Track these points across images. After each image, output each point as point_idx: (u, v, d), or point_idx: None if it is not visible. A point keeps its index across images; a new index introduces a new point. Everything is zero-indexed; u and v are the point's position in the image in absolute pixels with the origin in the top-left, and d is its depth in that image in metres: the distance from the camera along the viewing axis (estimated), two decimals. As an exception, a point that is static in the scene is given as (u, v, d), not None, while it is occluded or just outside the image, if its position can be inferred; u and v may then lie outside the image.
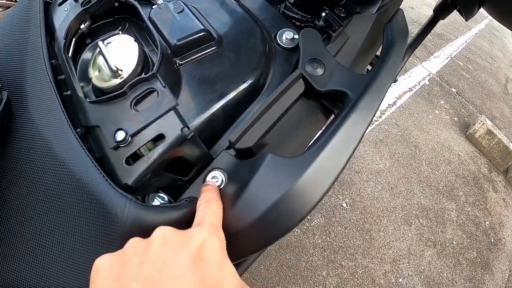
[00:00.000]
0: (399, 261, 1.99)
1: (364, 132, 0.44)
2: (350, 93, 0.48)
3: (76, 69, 0.52)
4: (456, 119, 3.29)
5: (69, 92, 0.49)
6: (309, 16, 0.64)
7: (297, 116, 0.51)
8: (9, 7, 2.09)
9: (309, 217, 1.94)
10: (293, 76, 0.49)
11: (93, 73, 0.48)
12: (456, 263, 2.15)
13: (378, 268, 1.90)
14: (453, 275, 2.08)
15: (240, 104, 0.51)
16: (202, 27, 0.53)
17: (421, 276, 1.98)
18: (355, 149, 0.42)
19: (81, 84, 0.49)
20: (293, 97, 0.50)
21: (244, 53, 0.54)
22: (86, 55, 0.54)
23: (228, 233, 0.37)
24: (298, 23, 0.64)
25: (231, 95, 0.49)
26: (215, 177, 0.45)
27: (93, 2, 0.53)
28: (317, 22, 0.63)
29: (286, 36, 0.59)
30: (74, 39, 0.54)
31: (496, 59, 4.92)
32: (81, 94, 0.46)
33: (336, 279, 1.77)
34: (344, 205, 2.09)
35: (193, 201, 0.41)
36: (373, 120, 2.66)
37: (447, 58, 4.17)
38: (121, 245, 0.35)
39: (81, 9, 0.53)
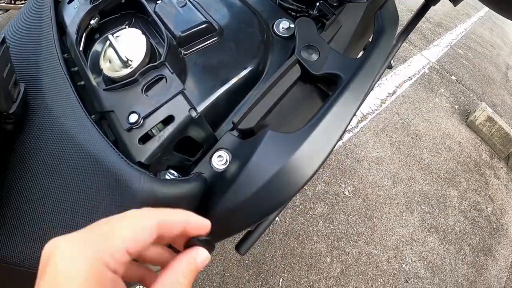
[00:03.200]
0: (402, 247, 2.02)
1: (356, 111, 0.47)
2: (343, 75, 0.51)
3: (86, 61, 0.55)
4: (456, 106, 3.31)
5: (82, 82, 0.53)
6: (304, 6, 0.66)
7: (295, 99, 0.55)
8: (8, 10, 2.12)
9: (312, 206, 1.97)
10: (289, 62, 0.53)
11: (104, 65, 0.51)
12: (458, 249, 2.17)
13: (381, 254, 1.93)
14: (456, 260, 2.10)
15: (241, 89, 0.54)
16: (204, 19, 0.56)
17: (424, 262, 2.01)
18: (347, 125, 0.45)
19: (93, 76, 0.52)
20: (290, 81, 0.53)
21: (243, 42, 0.57)
22: (96, 48, 0.58)
23: (232, 206, 0.41)
24: (294, 13, 0.67)
25: (233, 80, 0.53)
26: (220, 157, 0.49)
27: None
28: (311, 12, 0.65)
29: (283, 25, 0.62)
30: (84, 34, 0.57)
31: (496, 47, 4.91)
32: (94, 83, 0.50)
33: (340, 265, 1.80)
34: (347, 193, 2.12)
35: (201, 175, 0.45)
36: (373, 109, 2.69)
37: (446, 47, 4.17)
38: None
39: (91, 6, 0.56)
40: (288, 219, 1.86)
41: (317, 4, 0.63)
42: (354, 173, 2.25)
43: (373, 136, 2.56)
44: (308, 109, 0.55)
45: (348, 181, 2.19)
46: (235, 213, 0.42)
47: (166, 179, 0.44)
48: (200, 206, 0.45)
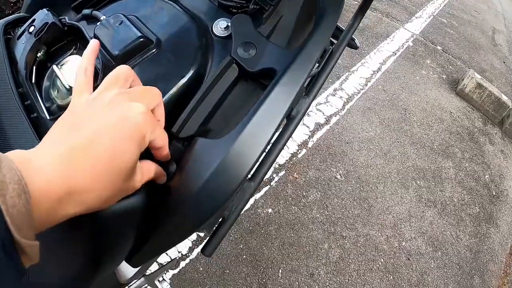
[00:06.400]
0: (400, 225, 2.00)
1: (292, 103, 0.46)
2: (277, 68, 0.50)
3: (41, 92, 0.57)
4: (444, 76, 3.26)
5: (35, 115, 0.54)
6: (244, 1, 0.65)
7: (239, 98, 0.54)
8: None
9: (304, 193, 1.94)
10: (224, 63, 0.52)
11: (53, 94, 0.54)
12: (459, 220, 2.15)
13: (379, 234, 1.91)
14: (457, 232, 2.09)
15: (183, 98, 0.53)
16: (139, 34, 0.55)
17: (424, 237, 1.99)
18: (281, 121, 0.44)
19: (47, 104, 0.54)
20: (228, 82, 0.53)
21: (181, 50, 0.57)
22: (48, 78, 0.60)
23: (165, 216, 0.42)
24: (235, 10, 0.65)
25: (172, 91, 0.52)
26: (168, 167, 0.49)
27: (43, 32, 0.58)
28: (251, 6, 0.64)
29: (220, 25, 0.61)
30: (34, 67, 0.58)
31: (481, 12, 4.86)
32: (43, 115, 0.52)
33: (338, 250, 1.78)
34: (339, 176, 2.09)
35: (142, 189, 0.44)
36: (358, 89, 2.64)
37: (429, 17, 4.12)
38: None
39: (35, 39, 0.57)
40: (281, 210, 1.84)
41: None
42: (345, 156, 2.22)
43: (360, 116, 2.52)
44: None
45: (339, 164, 2.16)
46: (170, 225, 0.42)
47: None
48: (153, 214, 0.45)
